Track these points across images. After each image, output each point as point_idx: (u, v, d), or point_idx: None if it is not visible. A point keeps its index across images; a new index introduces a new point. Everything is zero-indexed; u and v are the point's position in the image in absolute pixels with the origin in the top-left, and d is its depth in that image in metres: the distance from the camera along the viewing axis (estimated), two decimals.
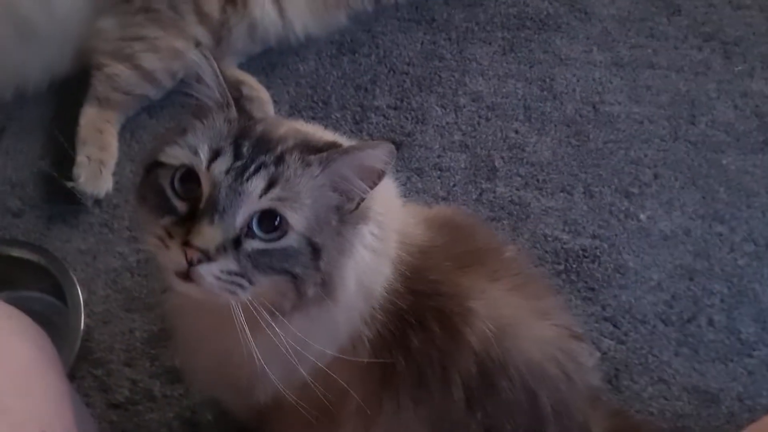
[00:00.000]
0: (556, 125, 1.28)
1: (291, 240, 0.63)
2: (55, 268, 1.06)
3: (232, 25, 1.31)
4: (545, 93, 1.31)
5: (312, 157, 0.65)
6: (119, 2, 1.31)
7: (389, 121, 1.29)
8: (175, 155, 0.66)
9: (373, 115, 1.29)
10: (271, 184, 0.63)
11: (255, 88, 1.33)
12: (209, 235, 0.62)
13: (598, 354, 1.05)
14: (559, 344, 0.73)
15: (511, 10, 1.41)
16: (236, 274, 0.63)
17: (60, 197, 1.23)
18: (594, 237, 1.17)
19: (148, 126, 1.31)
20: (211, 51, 1.28)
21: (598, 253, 1.15)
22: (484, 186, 1.22)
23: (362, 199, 0.66)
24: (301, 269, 0.64)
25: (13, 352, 0.66)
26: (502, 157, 1.25)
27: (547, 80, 1.33)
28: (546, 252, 1.15)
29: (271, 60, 1.37)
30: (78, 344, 1.02)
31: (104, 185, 1.23)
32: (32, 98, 1.32)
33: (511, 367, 0.70)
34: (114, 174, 1.24)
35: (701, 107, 1.29)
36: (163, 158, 0.66)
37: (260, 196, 0.62)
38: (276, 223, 0.63)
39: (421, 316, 0.70)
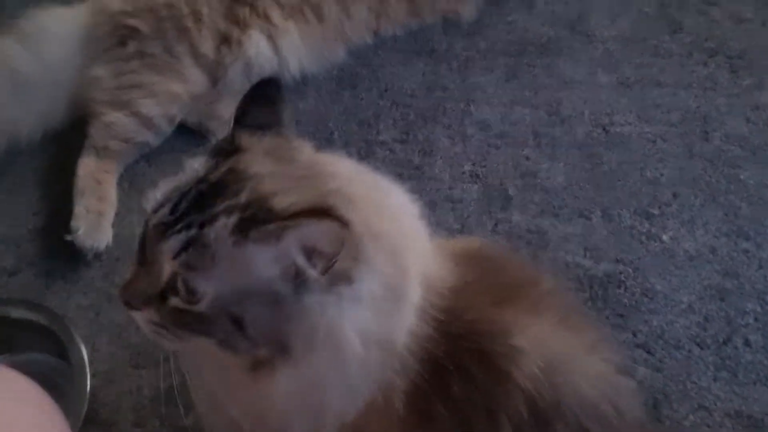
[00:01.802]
0: (567, 149, 1.25)
1: (204, 307, 0.61)
2: (57, 328, 1.01)
3: (227, 64, 1.28)
4: (553, 117, 1.28)
5: (247, 234, 0.60)
6: (112, 49, 1.29)
7: (396, 155, 1.25)
8: (146, 200, 0.65)
9: (379, 149, 1.26)
10: (184, 248, 0.60)
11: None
12: (134, 284, 0.63)
13: (635, 383, 0.99)
14: (609, 379, 0.68)
15: (511, 36, 1.39)
16: (160, 325, 0.63)
17: (58, 252, 1.18)
18: (617, 261, 1.12)
19: (147, 174, 1.27)
20: (208, 93, 1.29)
21: (623, 278, 1.11)
22: (499, 216, 1.18)
23: (329, 266, 0.60)
24: (223, 336, 0.62)
25: (15, 418, 0.62)
26: (516, 185, 1.21)
27: (554, 104, 1.30)
28: (569, 279, 1.10)
29: None
30: (85, 407, 0.96)
31: (104, 237, 1.18)
32: (25, 151, 1.28)
33: (565, 406, 0.64)
34: (113, 225, 1.20)
35: (713, 123, 1.27)
36: (143, 201, 0.65)
37: (173, 258, 0.61)
38: (191, 286, 0.61)
39: (460, 360, 0.65)
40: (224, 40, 1.29)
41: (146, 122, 1.25)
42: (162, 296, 0.62)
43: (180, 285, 0.61)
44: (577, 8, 1.42)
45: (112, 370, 1.06)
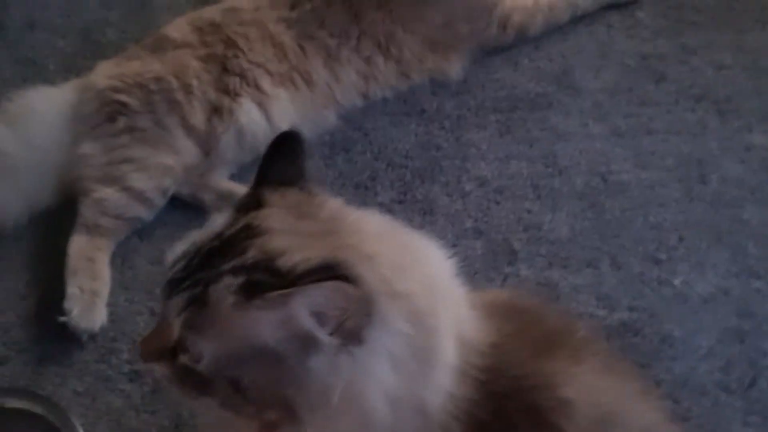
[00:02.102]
0: (568, 200, 1.24)
1: (202, 367, 0.60)
2: (54, 417, 0.94)
3: (219, 134, 1.27)
4: (550, 169, 1.28)
5: (250, 299, 0.58)
6: (101, 126, 1.27)
7: (396, 216, 1.21)
8: (169, 253, 0.64)
9: (378, 212, 1.24)
10: (186, 307, 0.59)
11: None
12: (150, 339, 0.63)
13: None
14: (661, 429, 0.65)
15: (500, 93, 1.40)
16: (171, 380, 0.62)
17: (49, 337, 1.13)
18: (631, 309, 1.10)
19: (140, 250, 1.23)
20: (200, 163, 1.27)
21: (639, 326, 1.08)
22: (506, 270, 1.15)
23: (339, 326, 0.58)
24: (223, 397, 0.60)
25: None
26: (520, 239, 1.20)
27: (550, 157, 1.30)
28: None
29: None
30: None
31: (99, 317, 1.13)
32: (11, 234, 1.24)
33: None
34: (108, 305, 1.15)
35: (708, 166, 1.28)
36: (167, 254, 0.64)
37: (177, 315, 0.60)
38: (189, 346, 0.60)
39: (508, 420, 0.62)
40: (215, 110, 1.28)
41: (138, 197, 1.22)
42: (174, 352, 0.61)
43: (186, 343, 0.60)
44: (560, 64, 1.45)
45: None
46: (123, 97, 1.27)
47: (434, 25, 1.39)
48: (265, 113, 1.29)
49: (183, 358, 0.60)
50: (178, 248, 0.63)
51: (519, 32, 1.45)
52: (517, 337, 0.66)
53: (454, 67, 1.42)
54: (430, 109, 1.39)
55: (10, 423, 0.95)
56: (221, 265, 0.59)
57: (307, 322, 0.57)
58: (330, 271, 0.57)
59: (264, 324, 0.58)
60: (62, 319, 1.11)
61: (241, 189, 1.28)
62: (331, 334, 0.58)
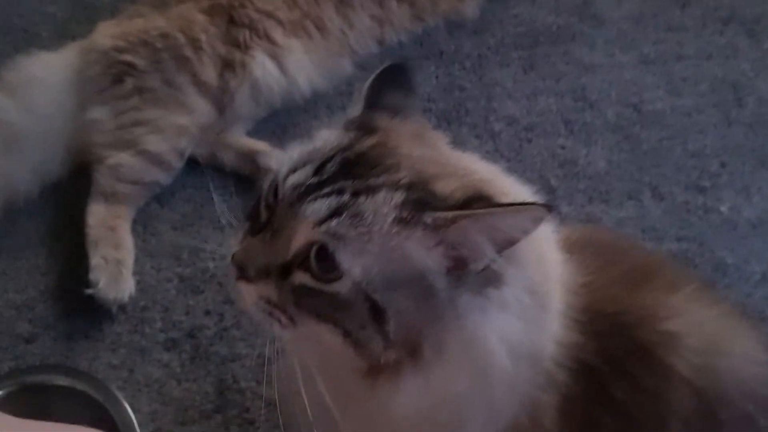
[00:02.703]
0: (601, 133, 1.20)
1: (343, 287, 0.53)
2: (98, 393, 0.90)
3: (233, 90, 1.21)
4: (580, 103, 1.24)
5: (419, 217, 0.52)
6: (108, 89, 1.20)
7: None
8: (276, 160, 0.59)
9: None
10: (333, 214, 0.52)
11: (271, 156, 1.22)
12: (251, 253, 0.55)
13: None
14: (760, 357, 0.61)
15: (519, 29, 1.35)
16: (275, 305, 0.55)
17: (76, 311, 1.08)
18: (679, 240, 1.07)
19: (161, 215, 1.18)
20: (216, 122, 1.22)
21: (689, 256, 1.05)
22: None
23: (490, 262, 0.53)
24: (355, 327, 0.54)
25: None
26: (556, 176, 1.15)
27: (579, 90, 1.25)
28: None
29: (279, 122, 1.27)
30: None
31: (127, 287, 1.08)
32: (24, 209, 1.18)
33: (728, 393, 0.57)
34: (134, 273, 1.10)
35: (743, 88, 1.24)
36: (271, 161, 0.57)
37: (316, 224, 0.52)
38: (331, 261, 0.53)
39: (615, 360, 0.58)
40: (227, 65, 1.21)
41: (155, 160, 1.17)
42: (285, 270, 0.54)
43: (314, 258, 0.52)
44: None
45: (158, 431, 0.96)
46: (129, 57, 1.20)
47: None
48: (279, 65, 1.23)
49: (301, 277, 0.53)
50: (288, 155, 0.57)
51: None
52: (606, 273, 0.61)
53: (470, 6, 1.36)
54: (448, 50, 1.33)
55: (52, 400, 0.91)
56: (369, 178, 0.53)
57: (467, 251, 0.52)
58: (480, 199, 0.52)
59: (425, 245, 0.52)
60: (89, 291, 1.06)
61: (260, 145, 1.23)
62: (481, 270, 0.53)
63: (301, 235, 0.53)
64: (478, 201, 0.52)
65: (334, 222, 0.52)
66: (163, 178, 1.18)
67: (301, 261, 0.53)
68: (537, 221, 0.51)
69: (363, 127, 0.59)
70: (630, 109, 1.22)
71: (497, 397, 0.57)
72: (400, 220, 0.52)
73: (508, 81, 1.28)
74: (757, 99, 1.22)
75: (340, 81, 1.29)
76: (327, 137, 0.59)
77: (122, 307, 1.07)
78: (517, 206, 0.51)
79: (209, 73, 1.21)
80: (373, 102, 0.61)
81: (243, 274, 0.55)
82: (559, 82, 1.27)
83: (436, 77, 1.30)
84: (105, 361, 1.03)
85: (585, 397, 0.58)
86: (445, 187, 0.54)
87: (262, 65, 1.22)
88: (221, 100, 1.21)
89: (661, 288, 0.61)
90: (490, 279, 0.53)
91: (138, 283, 1.09)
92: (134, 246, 1.13)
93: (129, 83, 1.19)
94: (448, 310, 0.53)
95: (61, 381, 0.92)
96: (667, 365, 0.57)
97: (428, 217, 0.52)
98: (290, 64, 1.23)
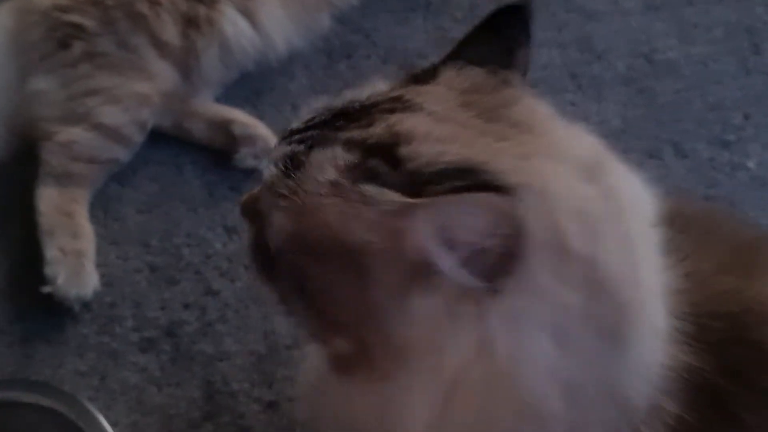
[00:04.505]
0: (613, 87, 1.10)
1: (270, 240, 0.51)
2: (65, 408, 0.77)
3: (199, 50, 1.05)
4: (587, 55, 1.13)
5: (357, 185, 0.45)
6: (53, 54, 1.04)
7: None
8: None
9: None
10: (284, 162, 0.49)
11: (248, 124, 1.08)
12: (254, 193, 0.54)
13: None
14: None
15: None
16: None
17: (32, 312, 0.94)
18: (708, 199, 0.99)
19: (123, 197, 1.04)
20: (181, 88, 1.07)
21: None
22: None
23: (469, 260, 0.43)
24: (282, 292, 0.52)
25: None
26: None
27: (584, 41, 1.15)
28: None
29: (253, 86, 1.13)
30: None
31: (90, 281, 0.95)
32: None
33: None
34: (97, 265, 0.96)
35: (759, 34, 1.15)
36: None
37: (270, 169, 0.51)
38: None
39: (739, 375, 0.48)
40: (190, 22, 1.06)
41: (112, 134, 1.02)
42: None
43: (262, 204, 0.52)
44: None
45: None
46: (75, 18, 1.04)
47: None
48: (252, 21, 1.08)
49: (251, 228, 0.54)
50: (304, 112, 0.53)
51: None
52: (707, 258, 0.51)
53: None
54: (435, 1, 1.21)
55: (12, 421, 0.77)
56: (340, 131, 0.48)
57: (427, 244, 0.43)
58: (469, 178, 0.42)
59: (361, 223, 0.44)
60: (46, 288, 0.92)
61: (233, 113, 1.10)
62: (460, 267, 0.43)
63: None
64: (448, 176, 0.42)
65: (275, 171, 0.49)
66: (123, 154, 1.03)
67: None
68: (486, 211, 0.41)
69: (416, 79, 0.52)
70: (641, 60, 1.12)
71: None
72: (333, 183, 0.46)
73: None
74: None
75: (318, 37, 1.16)
76: (371, 89, 0.51)
77: (86, 305, 0.94)
78: (464, 194, 0.41)
79: (170, 31, 1.05)
80: (458, 52, 0.53)
81: (242, 212, 0.56)
82: (562, 31, 1.16)
83: (425, 31, 1.18)
84: (71, 368, 0.90)
85: (704, 425, 0.47)
86: (415, 152, 0.44)
87: (231, 21, 1.07)
88: (186, 63, 1.06)
89: None
90: (485, 278, 0.43)
91: (103, 276, 0.96)
92: (95, 234, 0.99)
93: (77, 48, 1.03)
94: (399, 310, 0.44)
95: (23, 397, 0.78)
96: None
97: (360, 191, 0.45)
98: (264, 21, 1.09)
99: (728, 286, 0.50)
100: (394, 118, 0.47)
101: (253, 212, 0.53)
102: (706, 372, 0.47)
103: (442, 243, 0.43)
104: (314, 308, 0.49)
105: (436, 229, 0.42)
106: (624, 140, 1.04)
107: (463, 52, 0.52)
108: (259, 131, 1.07)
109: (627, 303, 0.46)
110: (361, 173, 0.45)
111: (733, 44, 1.14)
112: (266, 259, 0.51)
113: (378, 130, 0.46)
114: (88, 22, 1.04)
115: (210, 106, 1.09)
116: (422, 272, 0.43)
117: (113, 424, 0.83)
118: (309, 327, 0.51)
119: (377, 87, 0.52)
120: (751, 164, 1.02)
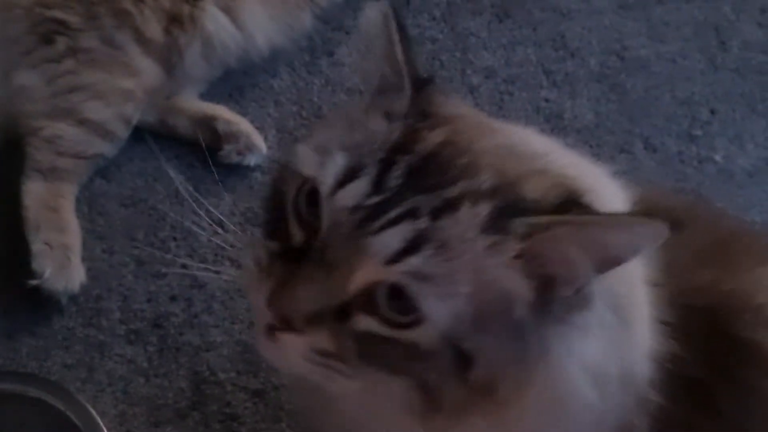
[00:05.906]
0: (586, 83, 1.13)
1: (423, 336, 0.43)
2: (53, 398, 0.78)
3: (182, 47, 1.07)
4: (561, 52, 1.16)
5: (510, 222, 0.43)
6: (36, 50, 1.05)
7: None
8: (304, 159, 0.45)
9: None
10: (412, 248, 0.42)
11: (232, 121, 1.10)
12: (299, 293, 0.42)
13: None
14: None
15: None
16: (331, 356, 0.44)
17: (19, 306, 0.95)
18: (677, 192, 1.02)
19: (108, 192, 1.05)
20: (164, 84, 1.09)
21: None
22: None
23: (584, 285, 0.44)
24: (433, 377, 0.44)
25: None
26: (543, 130, 1.04)
27: (558, 38, 1.18)
28: None
29: (236, 83, 1.14)
30: None
31: (77, 275, 0.96)
32: None
33: None
34: (84, 259, 0.98)
35: (726, 32, 1.19)
36: (293, 158, 0.46)
37: (389, 261, 0.42)
38: (409, 304, 0.43)
39: (718, 366, 0.50)
40: (173, 19, 1.07)
41: (98, 130, 1.03)
42: (342, 313, 0.44)
43: (384, 300, 0.43)
44: None
45: None
46: (58, 13, 1.05)
47: None
48: (233, 18, 1.10)
49: (366, 322, 0.43)
50: (333, 160, 0.44)
51: None
52: (684, 251, 0.52)
53: None
54: None
55: (1, 410, 0.78)
56: (443, 188, 0.43)
57: (564, 270, 0.43)
58: (578, 204, 0.44)
59: (515, 264, 0.43)
60: (33, 282, 0.93)
61: (217, 109, 1.11)
62: (577, 291, 0.44)
63: (367, 272, 0.43)
64: (577, 206, 0.43)
65: (414, 259, 0.42)
66: (108, 149, 1.04)
67: (367, 302, 0.43)
68: (654, 240, 0.42)
69: (417, 113, 0.47)
70: (613, 57, 1.16)
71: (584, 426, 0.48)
72: (488, 238, 0.42)
73: (483, 30, 1.19)
74: (741, 42, 1.18)
75: (300, 35, 1.18)
76: (367, 128, 0.47)
77: (73, 299, 0.95)
78: (631, 218, 0.43)
79: (153, 28, 1.07)
80: (416, 74, 0.50)
81: (288, 324, 0.44)
82: (536, 30, 1.19)
83: None
84: (58, 360, 0.91)
85: (684, 415, 0.49)
86: (535, 188, 0.44)
87: (214, 19, 1.08)
88: (169, 59, 1.08)
89: (758, 263, 0.53)
90: (578, 303, 0.44)
91: (89, 270, 0.97)
92: (80, 228, 1.00)
93: (61, 43, 1.04)
94: (533, 344, 0.44)
95: (10, 388, 0.79)
96: None
97: (519, 226, 0.43)
98: (246, 18, 1.10)
99: (705, 280, 0.52)
100: (484, 162, 0.45)
101: (315, 316, 0.44)
102: (686, 363, 0.49)
103: (584, 261, 0.43)
104: (470, 377, 0.44)
105: (585, 246, 0.42)
106: (597, 135, 1.08)
107: (416, 75, 0.50)
108: (243, 128, 1.09)
109: (632, 275, 0.49)
110: (504, 214, 0.43)
111: (701, 42, 1.18)
112: (395, 350, 0.44)
113: (487, 176, 0.44)
114: (72, 18, 1.05)
115: (194, 103, 1.11)
116: (552, 300, 0.44)
117: (101, 415, 0.85)
118: (448, 399, 0.45)
119: (370, 127, 0.47)
120: (717, 158, 1.06)
